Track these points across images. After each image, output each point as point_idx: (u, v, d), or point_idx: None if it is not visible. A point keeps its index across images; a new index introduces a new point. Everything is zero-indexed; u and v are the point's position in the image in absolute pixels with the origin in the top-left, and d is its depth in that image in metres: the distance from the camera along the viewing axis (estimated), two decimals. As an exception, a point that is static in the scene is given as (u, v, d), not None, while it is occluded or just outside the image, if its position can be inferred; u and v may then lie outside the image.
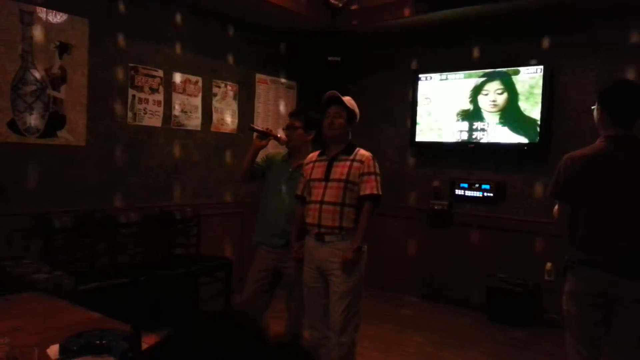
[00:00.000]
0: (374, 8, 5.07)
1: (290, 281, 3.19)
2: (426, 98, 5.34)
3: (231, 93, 5.20)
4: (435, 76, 5.29)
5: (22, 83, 3.66)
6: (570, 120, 4.57)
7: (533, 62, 4.76)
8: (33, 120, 3.73)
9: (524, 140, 4.76)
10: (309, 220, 2.89)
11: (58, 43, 3.83)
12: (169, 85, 4.61)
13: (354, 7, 5.15)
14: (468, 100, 5.08)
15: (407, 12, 4.78)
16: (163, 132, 4.60)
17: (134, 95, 4.35)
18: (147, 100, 4.45)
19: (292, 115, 3.38)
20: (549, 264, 4.63)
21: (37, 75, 3.74)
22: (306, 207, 2.94)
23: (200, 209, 4.83)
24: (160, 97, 4.55)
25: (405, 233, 5.56)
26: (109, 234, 4.16)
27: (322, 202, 2.83)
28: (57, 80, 3.85)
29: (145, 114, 4.45)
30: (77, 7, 3.93)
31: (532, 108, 4.71)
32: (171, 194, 4.69)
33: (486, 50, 5.07)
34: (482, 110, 5.00)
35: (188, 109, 4.79)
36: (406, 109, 5.52)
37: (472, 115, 5.06)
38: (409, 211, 5.53)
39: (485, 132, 4.97)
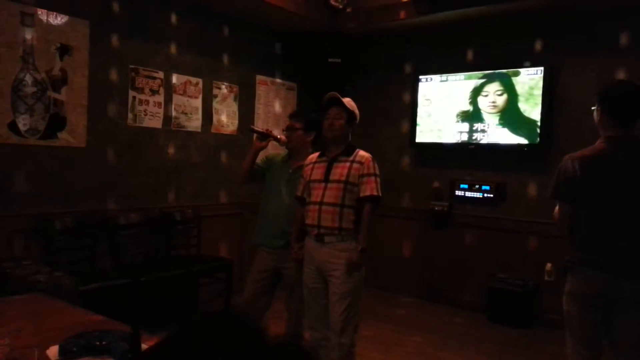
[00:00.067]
0: (374, 9, 5.07)
1: (290, 282, 3.19)
2: (426, 99, 5.34)
3: (231, 94, 5.20)
4: (436, 77, 5.29)
5: (22, 85, 3.66)
6: (570, 121, 4.57)
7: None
8: (33, 121, 3.73)
9: (523, 141, 4.77)
10: (308, 221, 2.89)
11: (59, 45, 3.84)
12: (169, 87, 4.62)
13: (348, 9, 5.14)
14: (468, 101, 5.08)
15: (406, 14, 4.78)
16: (163, 133, 4.60)
17: (134, 97, 4.36)
18: (147, 102, 4.45)
19: (292, 116, 3.39)
20: (548, 265, 4.63)
21: (38, 76, 3.74)
22: (306, 208, 2.94)
23: (200, 210, 4.83)
24: (160, 98, 4.55)
25: (405, 234, 5.56)
26: (109, 235, 4.17)
27: (321, 203, 2.83)
28: (58, 81, 3.85)
29: (146, 115, 4.45)
30: (77, 9, 3.94)
31: (531, 109, 4.72)
32: (171, 195, 4.69)
33: (486, 51, 5.07)
34: (481, 111, 5.01)
35: (188, 110, 4.79)
36: (406, 110, 5.52)
37: (472, 116, 5.06)
38: (409, 212, 5.53)
39: (485, 133, 4.98)
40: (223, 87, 5.11)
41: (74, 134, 3.97)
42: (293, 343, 0.56)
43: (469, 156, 5.18)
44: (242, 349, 0.52)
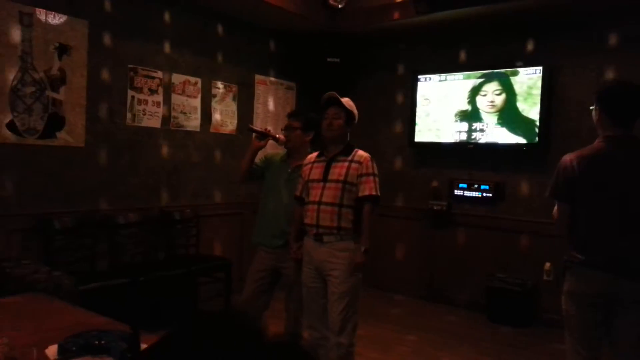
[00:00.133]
0: (372, 9, 5.07)
1: (289, 281, 3.20)
2: (425, 99, 5.35)
3: (230, 94, 5.20)
4: (435, 77, 5.30)
5: (21, 84, 3.66)
6: (569, 121, 4.57)
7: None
8: (32, 121, 3.73)
9: (522, 140, 4.77)
10: (307, 220, 2.90)
11: (57, 44, 3.84)
12: (168, 87, 4.62)
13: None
14: (466, 101, 5.09)
15: (405, 13, 4.78)
16: (162, 133, 4.60)
17: (133, 97, 4.35)
18: (146, 102, 4.45)
19: (290, 116, 3.39)
20: (547, 264, 4.64)
21: (36, 76, 3.74)
22: (304, 208, 2.95)
23: (199, 209, 4.83)
24: (159, 98, 4.55)
25: (404, 233, 5.57)
26: (108, 235, 4.17)
27: (320, 203, 2.84)
28: (57, 81, 3.85)
29: (145, 115, 4.45)
30: (76, 9, 3.94)
31: (530, 108, 4.72)
32: (171, 195, 4.69)
33: (485, 51, 5.08)
34: (480, 110, 5.01)
35: (187, 110, 4.79)
36: (405, 109, 5.53)
37: (471, 115, 5.06)
38: (408, 211, 5.54)
39: (484, 133, 4.98)
40: (222, 86, 5.11)
41: (72, 134, 3.97)
42: (292, 342, 0.56)
43: (467, 156, 5.19)
44: (242, 349, 0.52)
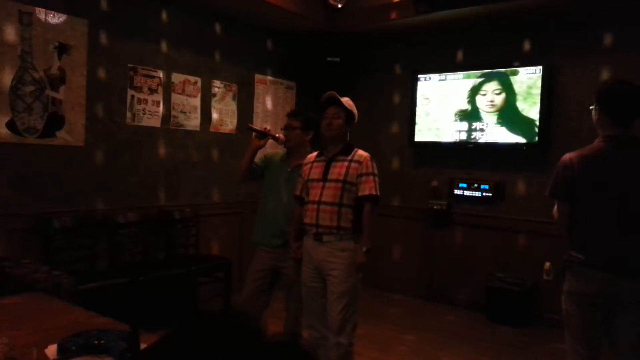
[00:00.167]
0: (373, 9, 5.07)
1: (288, 281, 3.20)
2: (425, 98, 5.35)
3: (230, 93, 5.20)
4: (434, 77, 5.30)
5: (21, 84, 3.66)
6: (569, 121, 4.57)
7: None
8: (32, 120, 3.73)
9: (522, 140, 4.77)
10: (307, 220, 2.89)
11: (57, 44, 3.83)
12: (168, 86, 4.62)
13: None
14: (466, 100, 5.09)
15: (405, 13, 4.78)
16: (162, 132, 4.60)
17: (132, 96, 4.35)
18: (146, 101, 4.45)
19: (290, 115, 3.39)
20: (547, 264, 4.64)
21: (36, 75, 3.74)
22: (304, 207, 2.95)
23: (199, 209, 4.83)
24: (159, 97, 4.55)
25: (404, 233, 5.57)
26: (108, 234, 4.17)
27: (319, 202, 2.84)
28: (56, 80, 3.85)
29: (144, 114, 4.45)
30: (76, 8, 3.93)
31: (530, 108, 4.72)
32: (170, 194, 4.69)
33: (484, 50, 5.08)
34: (480, 110, 5.01)
35: (187, 109, 4.79)
36: (405, 109, 5.52)
37: (470, 115, 5.06)
38: (408, 211, 5.54)
39: (483, 132, 4.98)
40: (222, 86, 5.11)
41: (72, 133, 3.96)
42: (292, 342, 0.56)
43: (467, 155, 5.19)
44: (241, 349, 0.52)
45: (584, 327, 2.34)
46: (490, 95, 4.95)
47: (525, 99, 4.74)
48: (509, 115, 4.86)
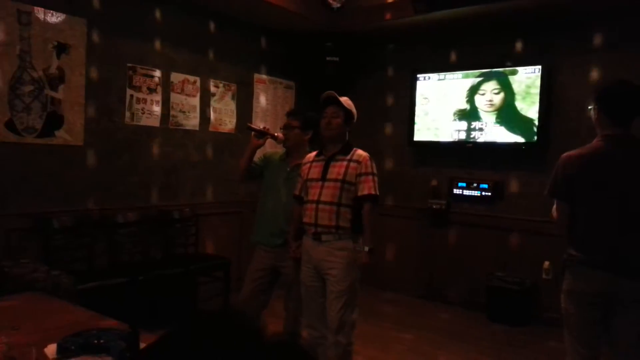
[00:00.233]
0: (372, 8, 5.07)
1: (288, 280, 3.20)
2: (424, 98, 5.35)
3: (229, 93, 5.20)
4: (434, 76, 5.30)
5: (19, 83, 3.65)
6: (568, 120, 4.58)
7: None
8: (31, 120, 3.72)
9: (521, 139, 4.77)
10: (306, 219, 2.89)
11: (56, 43, 3.83)
12: (167, 85, 4.61)
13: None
14: (465, 100, 5.09)
15: (404, 12, 4.78)
16: (161, 132, 4.59)
17: (132, 95, 4.35)
18: (145, 100, 4.45)
19: (289, 114, 3.39)
20: (546, 263, 4.64)
21: (35, 75, 3.73)
22: (303, 207, 2.95)
23: (198, 208, 4.83)
24: (158, 97, 4.55)
25: (403, 232, 5.57)
26: (107, 234, 4.16)
27: (318, 202, 2.83)
28: (55, 80, 3.85)
29: (143, 114, 4.45)
30: (75, 7, 3.93)
31: (528, 108, 4.72)
32: (169, 194, 4.69)
33: (484, 50, 5.07)
34: (478, 109, 5.01)
35: (186, 108, 4.79)
36: (404, 108, 5.52)
37: (469, 114, 5.07)
38: (407, 210, 5.54)
39: (482, 132, 4.98)
40: (221, 85, 5.11)
41: (71, 133, 3.96)
42: (291, 341, 0.56)
43: (466, 155, 5.19)
44: (241, 348, 0.52)
45: (584, 326, 2.34)
46: (489, 95, 4.95)
47: (524, 98, 4.75)
48: (507, 114, 4.86)
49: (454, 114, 5.16)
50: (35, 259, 3.50)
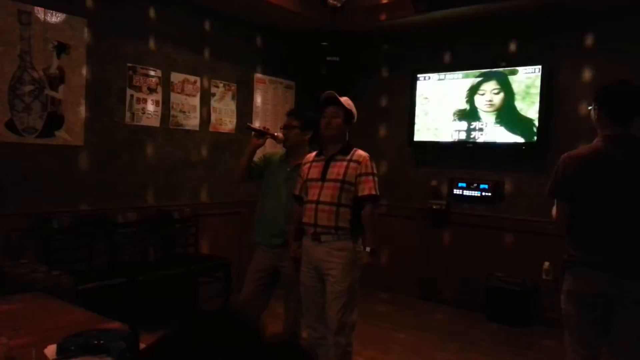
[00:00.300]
0: (372, 8, 5.07)
1: (288, 281, 3.19)
2: (424, 98, 5.34)
3: (229, 93, 5.20)
4: (434, 76, 5.30)
5: (20, 83, 3.65)
6: (568, 120, 4.58)
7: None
8: (31, 120, 3.72)
9: (520, 140, 4.77)
10: (305, 220, 2.89)
11: (56, 43, 3.83)
12: (167, 85, 4.61)
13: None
14: (465, 100, 5.09)
15: (405, 12, 4.78)
16: (161, 132, 4.59)
17: (132, 95, 4.35)
18: (145, 100, 4.45)
19: (289, 114, 3.38)
20: (546, 263, 4.64)
21: (35, 75, 3.73)
22: (303, 207, 2.94)
23: (198, 208, 4.83)
24: (158, 97, 4.55)
25: (403, 232, 5.57)
26: (107, 234, 4.16)
27: (318, 202, 2.83)
28: (55, 80, 3.84)
29: (144, 114, 4.44)
30: (75, 7, 3.93)
31: (528, 108, 4.72)
32: (169, 194, 4.68)
33: (483, 50, 5.07)
34: (478, 110, 5.01)
35: (186, 108, 4.78)
36: (404, 108, 5.52)
37: (469, 115, 5.06)
38: (408, 211, 5.54)
39: (482, 132, 4.98)
40: (221, 85, 5.11)
41: (71, 133, 3.96)
42: (291, 342, 0.56)
43: (466, 155, 5.19)
44: (241, 348, 0.52)
45: (584, 326, 2.34)
46: (489, 95, 4.95)
47: (523, 98, 4.74)
48: (507, 114, 4.86)
49: (454, 114, 5.15)
50: (35, 259, 3.50)
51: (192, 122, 4.85)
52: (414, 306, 5.20)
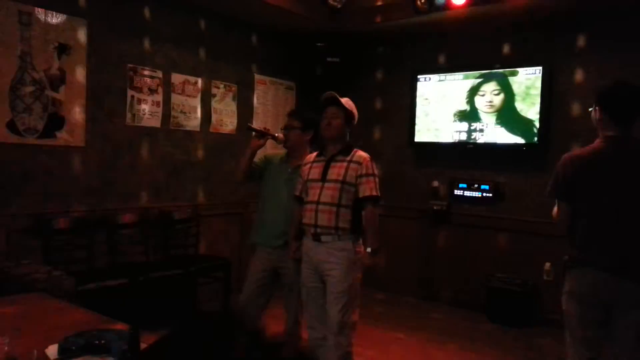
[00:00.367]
0: (372, 9, 5.07)
1: (288, 281, 3.19)
2: (425, 99, 5.35)
3: (230, 94, 5.20)
4: (434, 77, 5.30)
5: (20, 84, 3.66)
6: (568, 121, 4.58)
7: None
8: (32, 121, 3.73)
9: (521, 140, 4.78)
10: (305, 220, 2.89)
11: (57, 44, 3.83)
12: (168, 86, 4.62)
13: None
14: (465, 101, 5.09)
15: (405, 13, 4.78)
16: (162, 132, 4.60)
17: (132, 96, 4.35)
18: (145, 101, 4.45)
19: (290, 115, 3.39)
20: (547, 264, 4.64)
21: (36, 76, 3.74)
22: (303, 208, 2.94)
23: (199, 209, 4.83)
24: (159, 97, 4.55)
25: (404, 233, 5.57)
26: (107, 235, 4.16)
27: (318, 203, 2.83)
28: (56, 81, 3.85)
29: (144, 114, 4.45)
30: (75, 8, 3.94)
31: (528, 108, 4.72)
32: (170, 195, 4.69)
33: (484, 51, 5.08)
34: (478, 110, 5.02)
35: (187, 109, 4.79)
36: (405, 109, 5.52)
37: (469, 115, 5.07)
38: (408, 211, 5.54)
39: (483, 133, 4.98)
40: (221, 86, 5.11)
41: (72, 133, 3.96)
42: (291, 342, 0.56)
43: (467, 156, 5.19)
44: (241, 348, 0.52)
45: (585, 327, 2.33)
46: (489, 96, 4.95)
47: (523, 99, 4.75)
48: (507, 115, 4.86)
49: (454, 115, 5.16)
50: (36, 260, 3.50)
51: (193, 122, 4.85)
52: (414, 307, 5.21)
